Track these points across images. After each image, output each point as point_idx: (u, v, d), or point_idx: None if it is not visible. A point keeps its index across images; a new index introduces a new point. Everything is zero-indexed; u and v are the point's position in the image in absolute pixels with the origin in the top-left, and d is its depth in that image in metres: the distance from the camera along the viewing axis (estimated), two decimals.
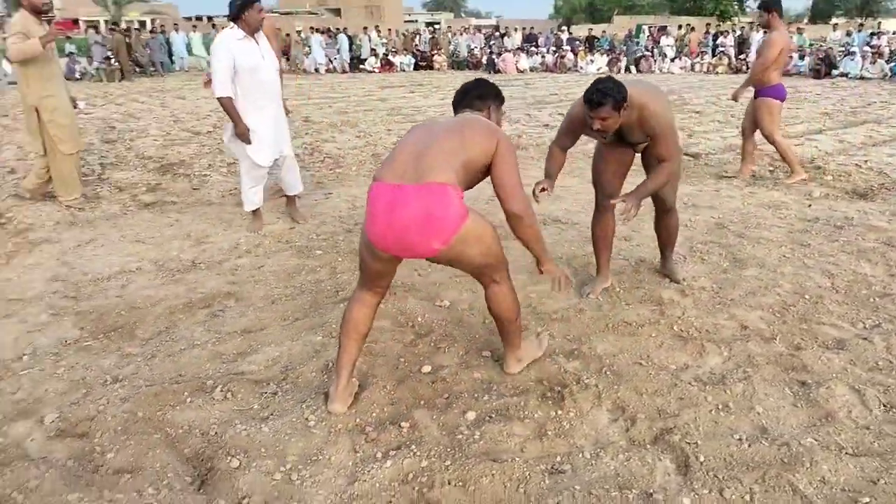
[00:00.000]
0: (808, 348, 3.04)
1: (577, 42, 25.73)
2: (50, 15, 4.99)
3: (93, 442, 2.34)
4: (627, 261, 4.16)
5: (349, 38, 23.86)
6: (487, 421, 2.47)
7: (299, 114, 10.88)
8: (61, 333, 3.19)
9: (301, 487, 2.10)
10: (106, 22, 24.62)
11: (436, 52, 24.31)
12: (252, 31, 4.28)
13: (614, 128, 3.04)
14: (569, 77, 20.18)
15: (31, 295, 3.65)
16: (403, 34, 25.48)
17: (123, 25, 23.48)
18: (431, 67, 23.66)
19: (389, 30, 26.50)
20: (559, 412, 2.54)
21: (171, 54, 22.31)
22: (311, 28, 24.99)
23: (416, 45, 24.98)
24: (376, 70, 22.39)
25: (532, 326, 3.26)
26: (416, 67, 23.32)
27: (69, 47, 21.38)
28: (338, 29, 25.16)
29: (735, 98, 6.65)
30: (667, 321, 3.30)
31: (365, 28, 24.64)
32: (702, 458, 2.27)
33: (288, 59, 22.74)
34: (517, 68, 22.61)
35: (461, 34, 26.15)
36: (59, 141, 5.20)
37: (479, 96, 2.75)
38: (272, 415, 2.51)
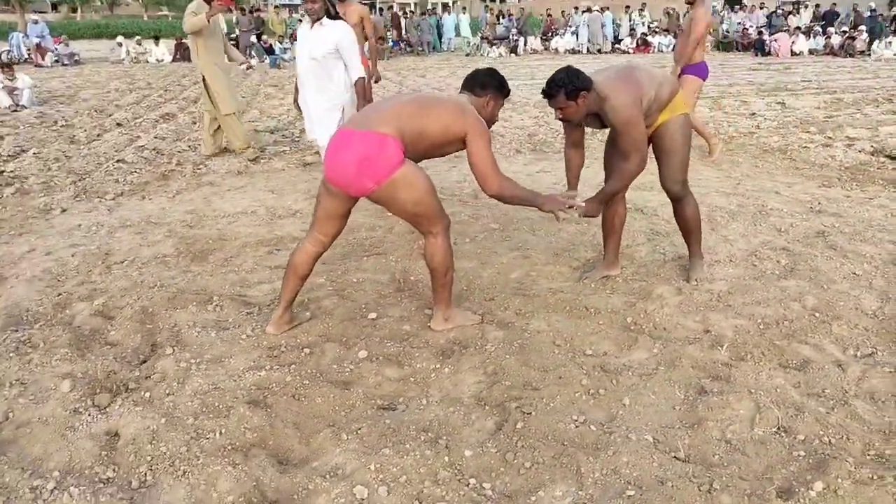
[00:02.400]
0: (754, 362, 2.86)
1: (882, 21, 22.33)
2: None
3: (110, 322, 3.24)
4: (664, 255, 4.06)
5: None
6: (371, 360, 2.87)
7: None
8: (160, 250, 4.23)
9: (191, 374, 2.74)
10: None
11: None
12: (311, 18, 4.60)
13: (577, 116, 3.13)
14: (846, 63, 17.74)
15: (165, 220, 4.80)
16: (668, 12, 24.35)
17: (396, 8, 25.97)
18: None
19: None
20: (438, 366, 2.83)
21: (440, 35, 24.22)
22: (576, 8, 25.09)
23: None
24: (631, 51, 21.89)
25: (499, 298, 3.49)
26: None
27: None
28: (602, 8, 24.88)
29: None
30: (627, 313, 3.29)
31: (627, 7, 24.05)
32: (519, 426, 2.43)
33: (545, 39, 23.31)
34: (792, 50, 20.44)
35: (738, 11, 24.25)
36: (218, 102, 6.51)
37: (481, 84, 3.04)
38: (230, 327, 3.19)
